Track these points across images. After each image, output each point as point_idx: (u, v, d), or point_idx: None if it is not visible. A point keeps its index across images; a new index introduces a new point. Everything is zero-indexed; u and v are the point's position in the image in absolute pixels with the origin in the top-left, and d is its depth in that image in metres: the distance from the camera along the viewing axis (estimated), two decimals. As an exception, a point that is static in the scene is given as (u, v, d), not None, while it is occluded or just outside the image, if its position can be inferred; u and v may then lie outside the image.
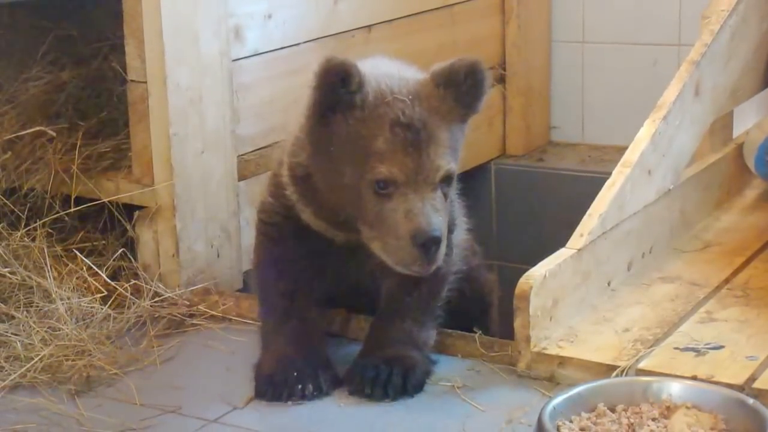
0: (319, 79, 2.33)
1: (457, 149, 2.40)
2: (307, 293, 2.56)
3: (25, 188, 3.08)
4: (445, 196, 2.36)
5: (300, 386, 2.40)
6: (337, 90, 2.33)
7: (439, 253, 2.32)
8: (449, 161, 2.34)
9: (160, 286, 2.93)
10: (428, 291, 2.56)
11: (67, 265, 2.95)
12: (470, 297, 2.83)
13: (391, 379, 2.42)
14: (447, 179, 2.35)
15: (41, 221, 3.02)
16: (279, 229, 2.57)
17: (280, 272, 2.56)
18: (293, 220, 2.51)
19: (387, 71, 2.42)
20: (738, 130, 3.53)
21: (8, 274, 2.88)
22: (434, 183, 2.32)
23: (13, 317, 2.77)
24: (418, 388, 2.45)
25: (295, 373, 2.42)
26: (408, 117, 2.31)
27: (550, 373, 2.50)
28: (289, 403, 2.40)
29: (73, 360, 2.61)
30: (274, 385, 2.42)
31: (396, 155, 2.30)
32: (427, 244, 2.29)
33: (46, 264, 2.88)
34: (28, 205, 3.07)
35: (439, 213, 2.32)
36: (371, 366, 2.45)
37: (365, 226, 2.38)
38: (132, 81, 2.94)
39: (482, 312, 2.94)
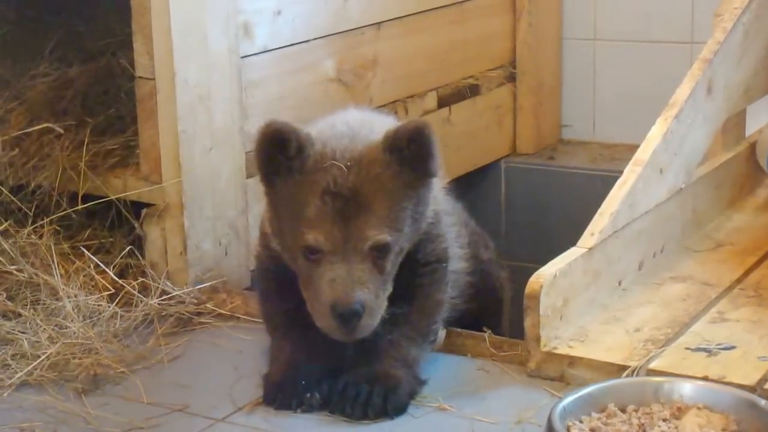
0: (258, 144, 2.36)
1: (400, 218, 2.35)
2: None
3: (33, 185, 3.07)
4: (381, 267, 2.33)
5: (309, 394, 2.38)
6: (275, 156, 2.34)
7: (361, 326, 2.29)
8: (382, 231, 2.31)
9: (168, 284, 2.92)
10: (420, 312, 2.50)
11: (74, 262, 2.94)
12: (482, 290, 2.81)
13: (371, 399, 2.36)
14: (379, 249, 2.32)
15: (48, 218, 3.01)
16: (272, 273, 2.55)
17: (280, 297, 2.53)
18: (284, 266, 2.49)
19: (341, 132, 2.40)
20: (751, 129, 3.51)
21: (15, 272, 2.88)
22: (363, 253, 2.30)
23: (19, 315, 2.77)
24: (400, 410, 2.38)
25: (304, 382, 2.39)
26: (339, 185, 2.30)
27: (560, 373, 2.49)
28: (298, 411, 2.37)
29: (80, 358, 2.60)
30: (283, 394, 2.39)
31: (323, 224, 2.30)
32: (346, 316, 2.27)
33: (53, 261, 2.87)
34: (35, 202, 3.06)
35: (365, 285, 2.29)
36: (353, 384, 2.39)
37: (302, 287, 2.38)
38: (140, 78, 2.93)
39: (494, 307, 2.92)
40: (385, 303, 2.36)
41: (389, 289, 2.38)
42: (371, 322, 2.32)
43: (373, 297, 2.31)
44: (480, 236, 2.95)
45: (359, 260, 2.30)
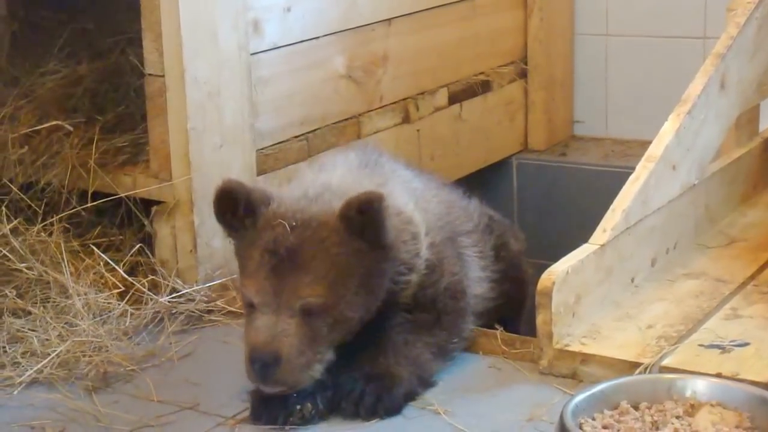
0: (213, 205, 2.38)
1: (343, 284, 2.30)
2: None
3: (42, 183, 3.07)
4: (314, 328, 2.28)
5: (298, 407, 2.33)
6: (226, 216, 2.38)
7: (277, 378, 2.26)
8: (316, 292, 2.28)
9: (178, 281, 2.91)
10: (439, 326, 2.49)
11: (84, 260, 2.94)
12: (510, 281, 2.82)
13: (363, 398, 2.34)
14: (309, 311, 2.28)
15: (58, 216, 3.01)
16: None
17: None
18: None
19: (306, 194, 2.38)
20: (764, 124, 3.50)
21: (25, 270, 2.88)
22: (293, 309, 2.27)
23: (29, 313, 2.77)
24: (392, 410, 2.34)
25: (294, 395, 2.33)
26: (277, 243, 2.29)
27: (572, 371, 2.48)
28: (287, 426, 2.32)
29: (90, 356, 2.60)
30: (270, 408, 2.34)
31: (258, 278, 2.30)
32: (257, 364, 2.25)
33: (63, 259, 2.87)
34: (45, 199, 3.06)
35: (288, 338, 2.26)
36: (350, 380, 2.37)
37: None
38: (149, 75, 2.92)
39: (517, 298, 2.92)
40: (318, 367, 2.31)
41: (326, 356, 2.32)
42: (290, 377, 2.27)
43: (293, 352, 2.26)
44: (510, 228, 3.02)
45: (288, 316, 2.28)
